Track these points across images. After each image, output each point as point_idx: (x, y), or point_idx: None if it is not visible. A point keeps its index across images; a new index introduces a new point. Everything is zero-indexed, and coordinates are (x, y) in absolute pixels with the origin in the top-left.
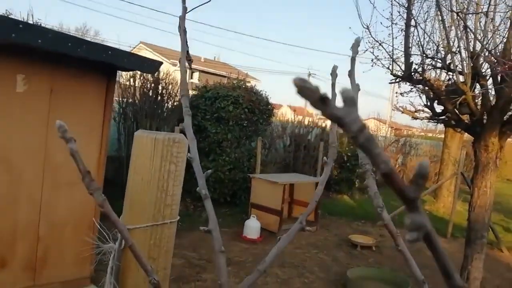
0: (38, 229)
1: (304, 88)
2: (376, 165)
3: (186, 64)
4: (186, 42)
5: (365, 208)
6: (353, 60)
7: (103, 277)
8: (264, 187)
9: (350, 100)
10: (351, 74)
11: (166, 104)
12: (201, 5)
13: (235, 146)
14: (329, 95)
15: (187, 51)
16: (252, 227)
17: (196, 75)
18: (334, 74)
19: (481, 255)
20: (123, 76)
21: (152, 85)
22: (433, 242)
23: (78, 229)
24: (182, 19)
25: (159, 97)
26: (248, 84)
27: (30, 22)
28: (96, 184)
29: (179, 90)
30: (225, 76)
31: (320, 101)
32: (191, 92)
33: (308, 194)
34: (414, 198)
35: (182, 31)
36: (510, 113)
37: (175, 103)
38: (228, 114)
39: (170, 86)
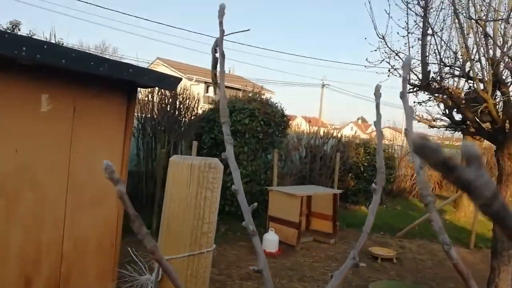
0: (62, 247)
1: (425, 148)
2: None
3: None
4: (223, 64)
5: (384, 219)
6: (404, 80)
7: None
8: (282, 200)
9: (475, 159)
10: (403, 96)
11: (183, 119)
12: (241, 31)
13: (251, 159)
14: (452, 156)
15: (215, 73)
16: (271, 240)
17: (211, 88)
18: (378, 94)
19: (509, 267)
20: (141, 92)
21: (170, 100)
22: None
23: (101, 246)
24: (220, 42)
25: (176, 112)
26: (263, 97)
27: (53, 41)
28: (146, 229)
29: (196, 104)
30: (240, 89)
31: (443, 164)
32: (207, 106)
33: (326, 205)
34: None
35: (220, 54)
36: None
37: (192, 117)
38: (244, 127)
39: (187, 101)
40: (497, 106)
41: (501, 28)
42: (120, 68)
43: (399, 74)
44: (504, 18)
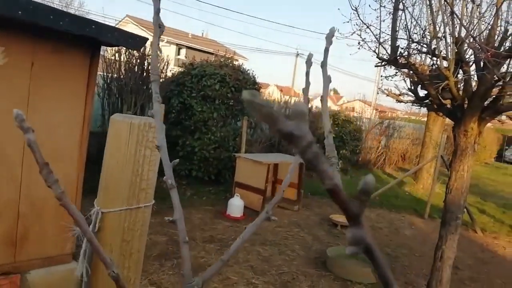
0: (18, 207)
1: (253, 103)
2: (322, 180)
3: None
4: (159, 17)
5: (347, 188)
6: (326, 50)
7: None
8: (249, 167)
9: (300, 114)
10: (323, 65)
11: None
12: None
13: (220, 125)
14: (278, 111)
15: (160, 21)
16: (236, 205)
17: (183, 51)
18: (309, 62)
19: (455, 236)
20: (108, 51)
21: (138, 60)
22: (374, 254)
23: (60, 207)
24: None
25: (144, 73)
26: (236, 63)
27: None
28: (54, 176)
29: (165, 66)
30: (212, 53)
31: (269, 116)
32: (178, 69)
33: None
34: (357, 214)
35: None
36: (490, 99)
37: (161, 80)
38: (214, 93)
39: None
40: (458, 84)
41: (468, 8)
42: (82, 24)
43: (369, 47)
44: None
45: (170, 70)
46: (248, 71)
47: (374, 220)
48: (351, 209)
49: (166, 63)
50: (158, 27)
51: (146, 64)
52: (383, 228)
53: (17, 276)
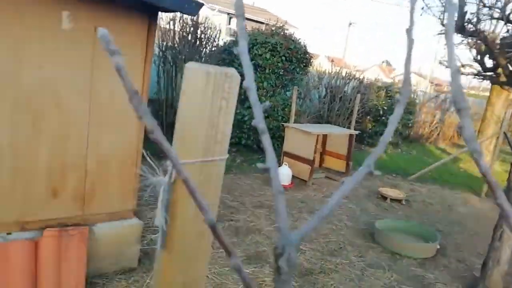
0: (86, 164)
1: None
2: None
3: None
4: None
5: (397, 162)
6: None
7: (145, 211)
8: (297, 137)
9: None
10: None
11: (204, 49)
12: None
13: (270, 95)
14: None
15: None
16: (284, 174)
17: (234, 20)
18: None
19: None
20: (163, 19)
21: (191, 29)
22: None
23: (123, 165)
24: None
25: (197, 42)
26: (287, 32)
27: None
28: (146, 106)
29: (217, 35)
30: (262, 23)
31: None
32: (229, 38)
33: (341, 145)
34: None
35: None
36: None
37: (213, 48)
38: (265, 62)
39: (208, 31)
40: None
41: None
42: None
43: (433, 13)
44: None
45: (222, 39)
46: (300, 40)
47: (426, 195)
48: None
49: (219, 32)
50: None
51: (199, 33)
52: (434, 204)
53: (86, 228)
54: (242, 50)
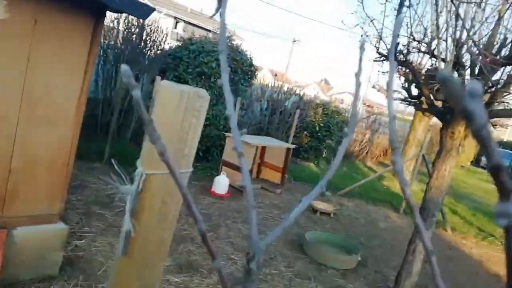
0: (11, 163)
1: (448, 80)
2: (489, 158)
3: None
4: None
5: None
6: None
7: (72, 215)
8: None
9: (478, 95)
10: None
11: (148, 52)
12: None
13: (213, 103)
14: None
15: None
16: (221, 183)
17: (180, 25)
18: (362, 48)
19: (429, 232)
20: (107, 17)
21: (137, 30)
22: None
23: (53, 165)
24: None
25: (142, 44)
26: (234, 42)
27: None
28: (158, 133)
29: (163, 39)
30: (210, 31)
31: (457, 94)
32: (174, 43)
33: (278, 158)
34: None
35: None
36: None
37: (158, 52)
38: (210, 70)
39: (154, 34)
40: None
41: (472, 12)
42: None
43: (370, 41)
44: (477, 1)
45: (168, 43)
46: (246, 52)
47: (352, 210)
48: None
49: (165, 36)
50: None
51: (144, 35)
52: (359, 218)
53: (3, 231)
54: (225, 80)
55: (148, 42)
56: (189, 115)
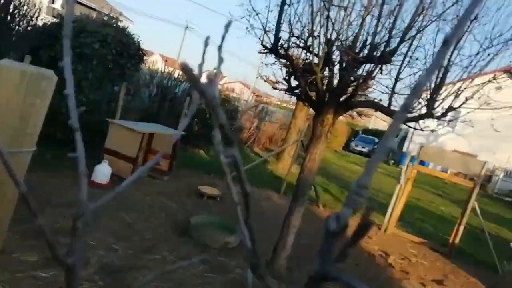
0: None
1: (186, 67)
2: (216, 118)
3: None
4: None
5: (218, 163)
6: (223, 38)
7: None
8: (122, 134)
9: (211, 80)
10: (220, 48)
11: (17, 27)
12: None
13: (95, 87)
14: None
15: None
16: (102, 172)
17: (59, 0)
18: (206, 42)
19: (301, 208)
20: None
21: (1, 1)
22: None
23: None
24: None
25: (8, 17)
26: (120, 24)
27: None
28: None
29: (36, 14)
30: (95, 9)
31: (193, 79)
32: (52, 19)
33: (167, 145)
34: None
35: None
36: (345, 96)
37: (28, 28)
38: (92, 52)
39: (24, 7)
40: (323, 80)
41: (340, 15)
42: None
43: (255, 33)
44: (344, 6)
45: (42, 19)
46: (133, 35)
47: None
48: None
49: (38, 10)
50: None
51: (12, 7)
52: None
53: None
54: (66, 64)
55: (16, 16)
56: (32, 95)
